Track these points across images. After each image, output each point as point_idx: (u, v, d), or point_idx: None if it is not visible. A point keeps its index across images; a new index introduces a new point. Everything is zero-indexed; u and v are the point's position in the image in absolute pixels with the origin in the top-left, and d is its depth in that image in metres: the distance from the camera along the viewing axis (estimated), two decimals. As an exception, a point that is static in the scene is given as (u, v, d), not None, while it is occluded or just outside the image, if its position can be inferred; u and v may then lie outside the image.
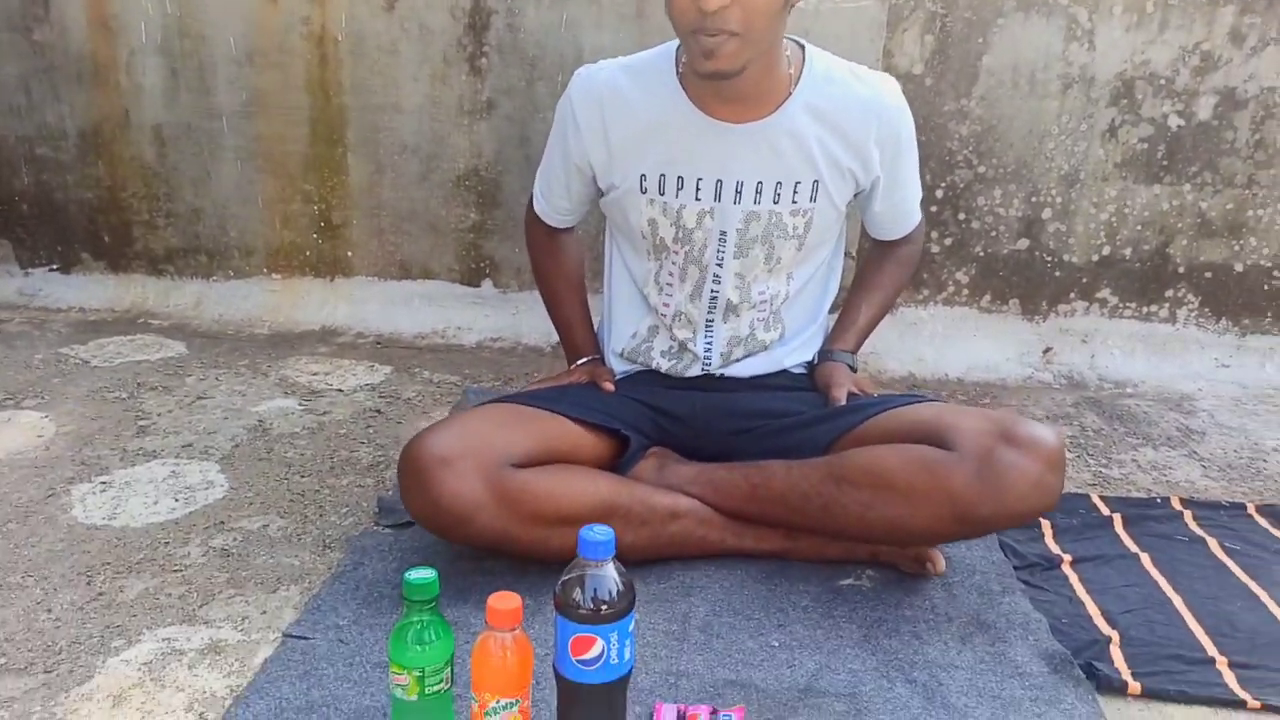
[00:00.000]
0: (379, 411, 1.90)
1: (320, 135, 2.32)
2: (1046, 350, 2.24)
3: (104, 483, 1.56)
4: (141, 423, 1.79)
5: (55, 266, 2.48)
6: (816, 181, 1.36)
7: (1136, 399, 2.12)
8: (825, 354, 1.49)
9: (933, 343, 2.25)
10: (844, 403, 1.37)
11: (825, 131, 1.34)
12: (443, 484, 1.17)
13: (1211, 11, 2.03)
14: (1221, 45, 2.05)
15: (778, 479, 1.30)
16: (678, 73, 1.34)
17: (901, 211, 1.50)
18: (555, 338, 2.28)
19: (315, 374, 2.07)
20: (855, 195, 1.44)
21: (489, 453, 1.20)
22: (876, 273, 1.56)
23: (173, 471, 1.61)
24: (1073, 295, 2.24)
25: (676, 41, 1.36)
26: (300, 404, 1.91)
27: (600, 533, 0.94)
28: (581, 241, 1.62)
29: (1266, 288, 2.20)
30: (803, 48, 1.35)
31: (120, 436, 1.73)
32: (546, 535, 1.22)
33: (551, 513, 1.22)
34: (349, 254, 2.39)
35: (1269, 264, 2.19)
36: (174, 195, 2.39)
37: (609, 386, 1.45)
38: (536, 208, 1.54)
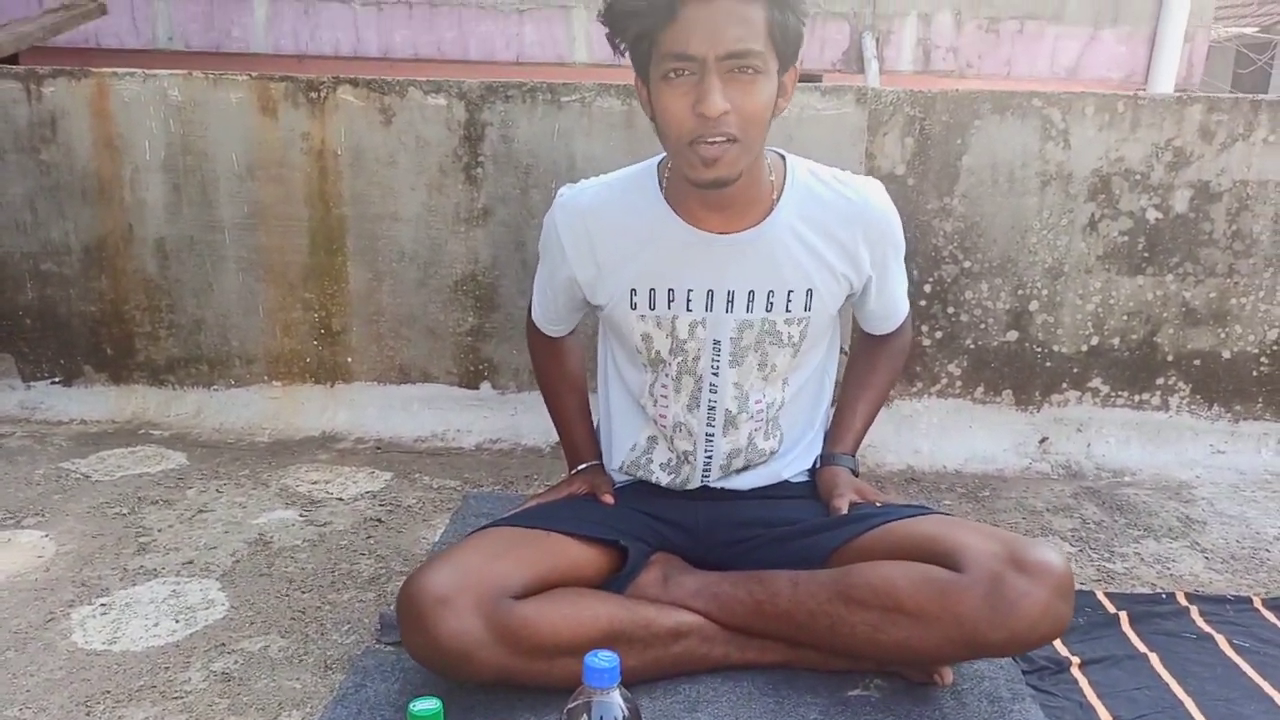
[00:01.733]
0: (380, 521, 1.89)
1: (320, 245, 2.37)
2: (1043, 440, 2.26)
3: (104, 605, 1.55)
4: (142, 539, 1.79)
5: (57, 379, 2.50)
6: (810, 290, 1.38)
7: (1135, 488, 2.13)
8: (825, 458, 1.51)
9: (929, 435, 2.27)
10: (845, 511, 1.38)
11: (815, 239, 1.37)
12: (441, 624, 1.17)
13: (1180, 110, 2.11)
14: (1192, 141, 2.12)
15: (783, 596, 1.30)
16: (661, 188, 1.38)
17: (892, 308, 1.53)
18: (554, 437, 2.30)
19: (315, 483, 2.07)
20: (847, 298, 1.47)
21: (487, 587, 1.20)
22: (869, 370, 1.58)
23: (173, 590, 1.60)
24: (1065, 385, 2.26)
25: (658, 158, 1.40)
26: (301, 515, 1.91)
27: (605, 659, 0.94)
28: (581, 344, 1.65)
29: (1255, 373, 2.24)
30: (783, 157, 1.39)
31: (120, 555, 1.72)
32: (549, 667, 1.22)
33: (552, 645, 1.21)
34: (349, 360, 2.42)
35: (1255, 350, 2.22)
36: (176, 306, 2.42)
37: (608, 499, 1.46)
38: (534, 317, 1.58)
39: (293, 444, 2.30)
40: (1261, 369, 2.23)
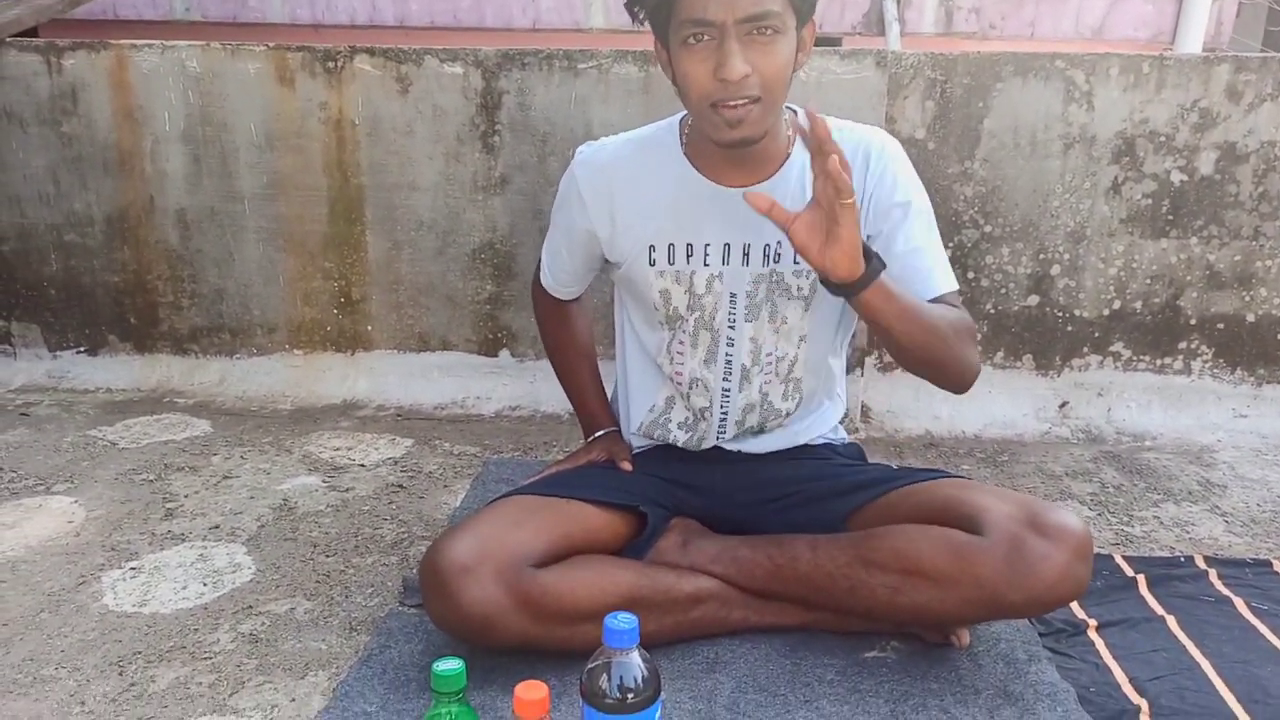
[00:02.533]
0: (401, 486, 1.92)
1: (339, 214, 2.38)
2: (1062, 405, 2.25)
3: (134, 568, 1.59)
4: (169, 505, 1.82)
5: (83, 349, 2.53)
6: None
7: (1155, 452, 2.12)
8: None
9: (948, 400, 2.26)
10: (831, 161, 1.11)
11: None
12: (463, 592, 1.19)
13: (1207, 70, 2.07)
14: (1219, 102, 2.08)
15: (803, 560, 1.31)
16: (682, 144, 1.38)
17: (921, 275, 1.32)
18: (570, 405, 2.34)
19: (338, 449, 2.09)
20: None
21: (507, 556, 1.22)
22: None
23: (201, 555, 1.63)
24: (1086, 350, 2.25)
25: (679, 115, 1.40)
26: (324, 481, 1.93)
27: (624, 621, 0.95)
28: (589, 309, 1.65)
29: (1279, 337, 2.21)
30: (795, 112, 1.39)
31: (149, 520, 1.76)
32: (570, 634, 1.23)
33: (573, 612, 1.23)
34: (369, 328, 2.44)
35: (1280, 313, 2.20)
36: (198, 276, 2.45)
37: (627, 466, 1.47)
38: (543, 281, 1.57)
39: (315, 411, 2.33)
40: (1286, 333, 2.21)
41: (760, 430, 1.47)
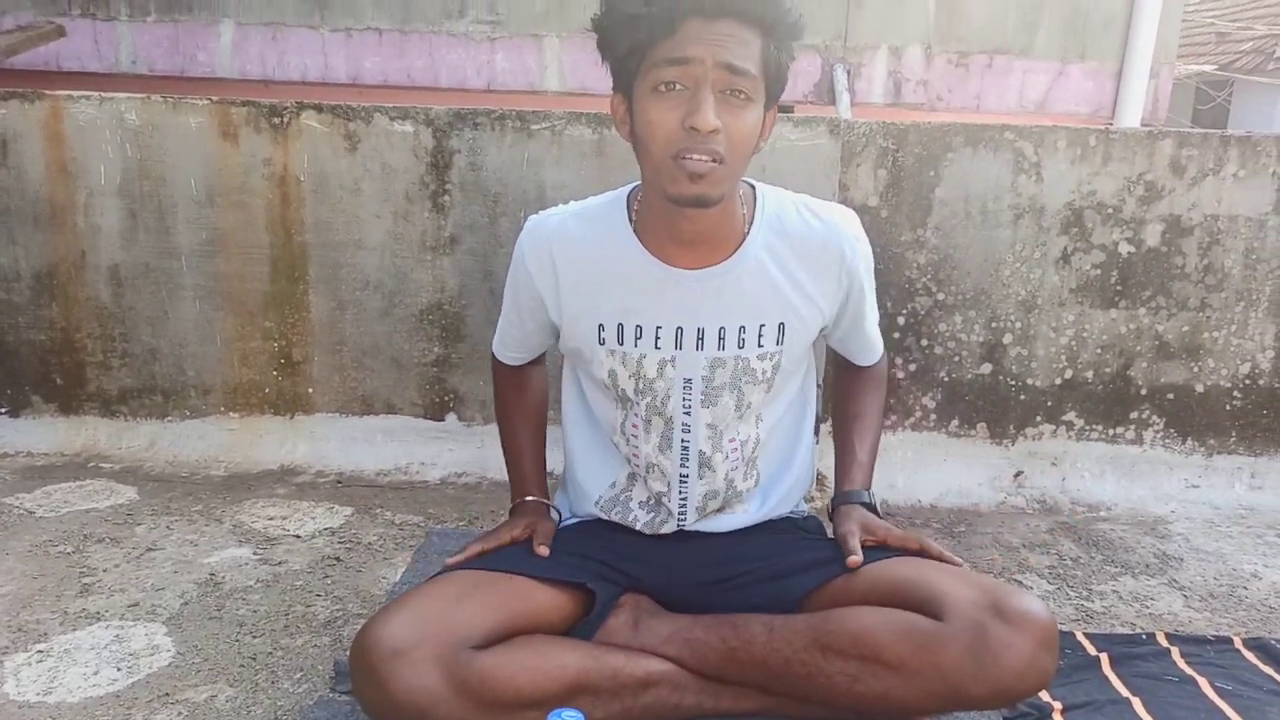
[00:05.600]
0: (338, 559, 1.82)
1: (281, 273, 2.30)
2: (1017, 474, 2.23)
3: (41, 651, 1.47)
4: (86, 580, 1.70)
5: (3, 410, 2.40)
6: (782, 324, 1.34)
7: (1111, 523, 2.10)
8: (839, 497, 1.44)
9: (904, 469, 2.24)
10: (856, 553, 1.31)
11: (785, 270, 1.33)
12: (397, 679, 1.11)
13: (1151, 145, 2.11)
14: (1163, 176, 2.12)
15: (758, 643, 1.24)
16: (630, 220, 1.33)
17: (867, 339, 1.48)
18: (521, 473, 2.26)
19: (272, 519, 1.99)
20: (821, 330, 1.43)
21: (445, 637, 1.14)
22: (857, 399, 1.52)
23: (116, 636, 1.52)
24: (1039, 418, 2.24)
25: (628, 189, 1.36)
26: (255, 553, 1.83)
27: (569, 718, 0.88)
28: (546, 375, 1.59)
29: (1229, 408, 2.23)
30: (753, 187, 1.35)
31: (62, 597, 1.64)
32: None
33: (515, 700, 1.15)
34: (310, 390, 2.35)
35: (1228, 384, 2.22)
36: (130, 335, 2.34)
37: (543, 551, 1.37)
38: (494, 349, 1.52)
39: (249, 478, 2.22)
40: (1234, 403, 2.23)
41: (720, 511, 1.41)
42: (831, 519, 1.43)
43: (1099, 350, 2.21)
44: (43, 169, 2.28)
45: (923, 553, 1.31)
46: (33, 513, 1.99)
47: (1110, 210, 2.14)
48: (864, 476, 1.47)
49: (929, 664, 1.14)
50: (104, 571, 1.74)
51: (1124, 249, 2.16)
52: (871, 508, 1.43)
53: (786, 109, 3.57)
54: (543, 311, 1.38)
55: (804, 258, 1.33)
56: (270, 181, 2.26)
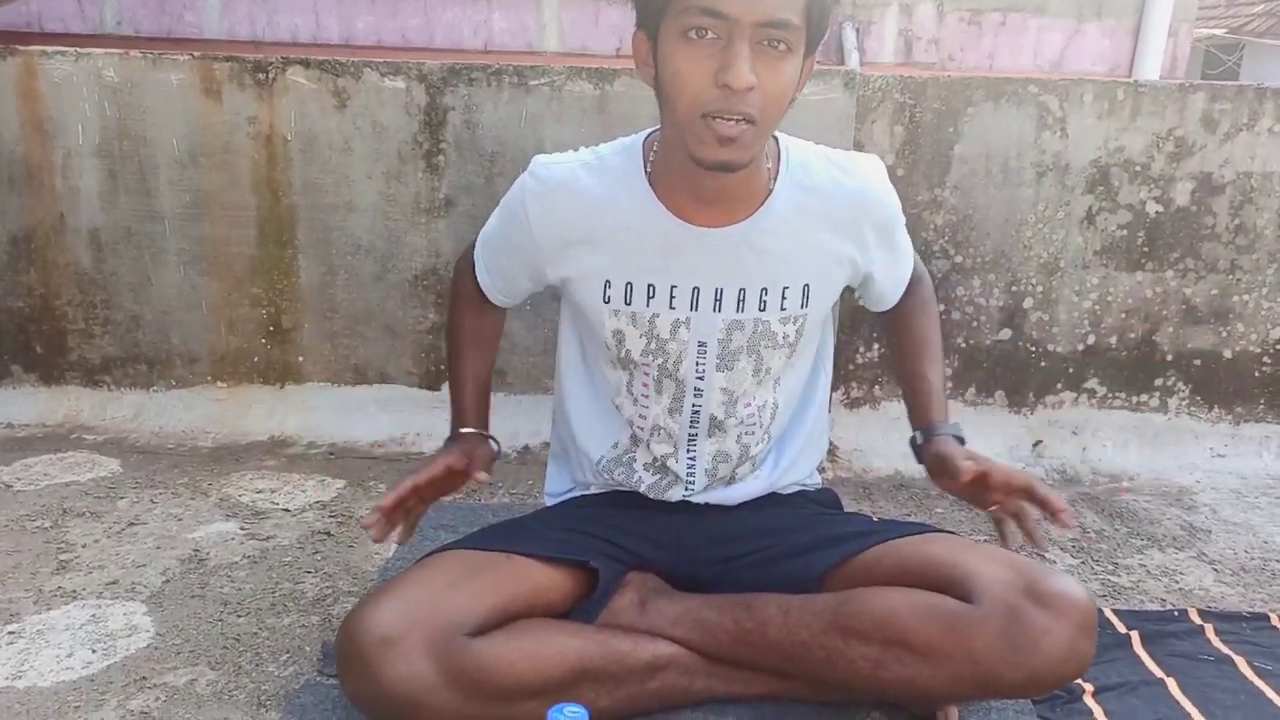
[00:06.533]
0: (329, 534, 1.74)
1: (269, 236, 2.20)
2: (1036, 444, 2.15)
3: (12, 633, 1.39)
4: (63, 556, 1.62)
5: (-18, 380, 2.32)
6: (806, 285, 1.24)
7: (1134, 494, 2.02)
8: (925, 431, 1.33)
9: (918, 439, 2.15)
10: (971, 475, 1.22)
11: (811, 228, 1.22)
12: (387, 668, 1.03)
13: (1182, 99, 2.00)
14: (1195, 131, 2.01)
15: (773, 625, 1.16)
16: (646, 171, 1.23)
17: (902, 274, 1.37)
18: (519, 442, 2.18)
19: (260, 492, 1.91)
20: (847, 288, 1.33)
21: (438, 623, 1.06)
22: (911, 328, 1.40)
23: (93, 615, 1.44)
24: (1060, 386, 2.15)
25: (642, 135, 1.25)
26: (242, 528, 1.75)
27: (571, 714, 0.80)
28: (506, 315, 1.48)
29: (1257, 374, 2.14)
30: (776, 140, 1.24)
31: (37, 575, 1.56)
32: (511, 713, 1.08)
33: (515, 688, 1.07)
34: (300, 359, 2.26)
35: (1258, 349, 2.13)
36: (112, 302, 2.25)
37: (483, 477, 1.27)
38: (478, 276, 1.38)
39: (238, 449, 2.14)
40: (1264, 369, 2.14)
41: (731, 480, 1.33)
42: (921, 453, 1.33)
43: (1123, 315, 2.11)
44: (17, 128, 2.17)
45: (1029, 492, 1.20)
46: (10, 486, 1.90)
47: (1138, 168, 2.04)
48: (943, 408, 1.35)
49: (959, 649, 1.06)
50: (83, 547, 1.65)
51: (1152, 208, 2.06)
52: (960, 440, 1.31)
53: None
54: (533, 261, 1.28)
55: (832, 215, 1.23)
56: (256, 141, 2.15)
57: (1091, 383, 2.15)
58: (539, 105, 2.09)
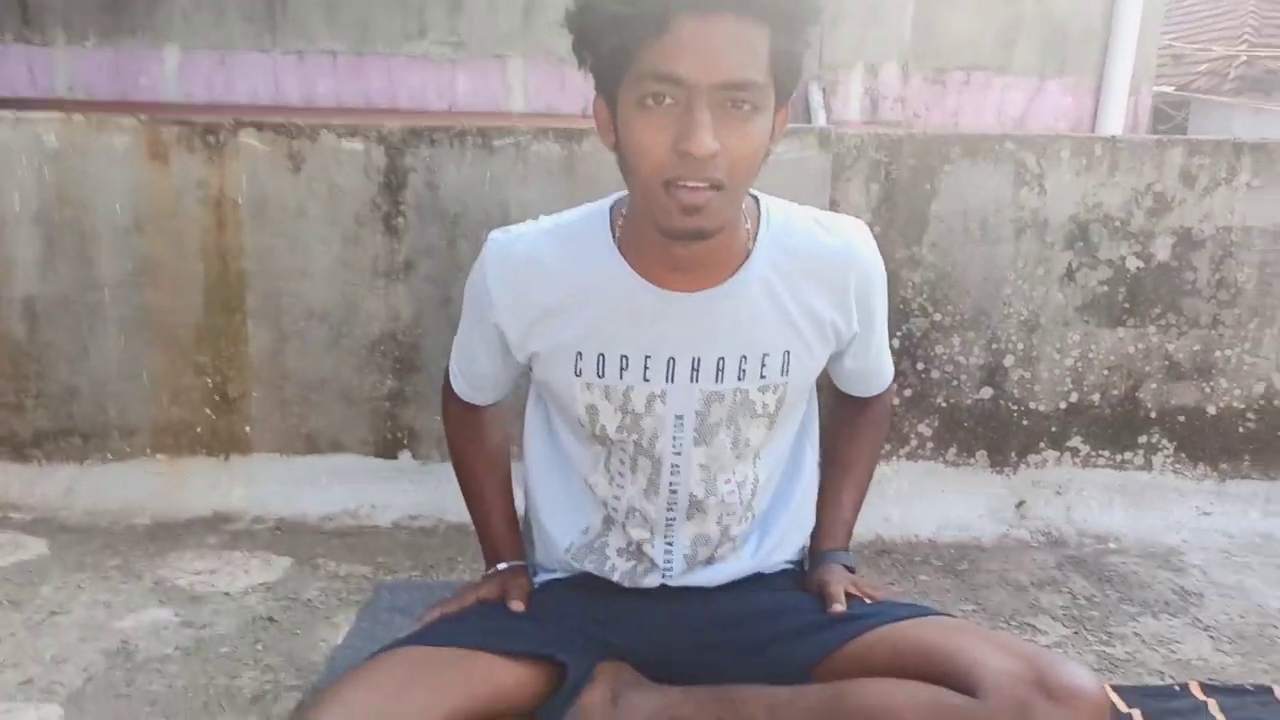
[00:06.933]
0: (272, 619, 1.61)
1: (216, 303, 2.10)
2: (1020, 504, 2.07)
3: (-92, 745, 1.24)
4: (-26, 653, 1.48)
5: (-97, 456, 2.17)
6: (787, 353, 1.16)
7: (1122, 555, 1.95)
8: (816, 557, 1.28)
9: (900, 501, 2.07)
10: (844, 608, 1.15)
11: (796, 287, 1.14)
12: None
13: (1160, 154, 1.98)
14: (1173, 186, 1.99)
15: (760, 725, 1.05)
16: (614, 237, 1.15)
17: (876, 366, 1.29)
18: (482, 516, 2.06)
19: (199, 574, 1.78)
20: (830, 357, 1.25)
21: None
22: (850, 445, 1.36)
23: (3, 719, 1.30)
24: (1043, 445, 2.09)
25: (609, 201, 1.17)
26: (176, 615, 1.61)
27: None
28: (505, 418, 1.39)
29: (1242, 430, 2.09)
30: (756, 199, 1.17)
31: (-57, 675, 1.41)
32: None
33: None
34: (247, 429, 2.14)
35: (1241, 405, 2.08)
36: (45, 374, 2.12)
37: (517, 606, 1.19)
38: (454, 386, 1.32)
39: (177, 526, 2.00)
40: (1248, 425, 2.09)
41: (710, 560, 1.22)
42: (807, 568, 1.27)
43: (1105, 371, 2.06)
44: (-51, 193, 2.07)
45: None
46: (-75, 573, 1.76)
47: (1117, 223, 2.00)
48: (845, 535, 1.31)
49: None
50: (-1, 642, 1.51)
51: (1132, 264, 2.02)
52: (851, 570, 1.26)
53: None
54: (503, 344, 1.18)
55: (815, 277, 1.15)
56: (205, 205, 2.07)
57: (1075, 441, 2.09)
58: (504, 167, 2.03)
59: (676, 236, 1.01)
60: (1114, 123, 3.53)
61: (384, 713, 0.96)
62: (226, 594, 1.69)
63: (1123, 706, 1.39)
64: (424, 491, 2.09)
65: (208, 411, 2.13)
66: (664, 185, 0.97)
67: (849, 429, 1.36)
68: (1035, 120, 3.66)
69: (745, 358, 1.12)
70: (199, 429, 2.13)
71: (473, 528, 1.98)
